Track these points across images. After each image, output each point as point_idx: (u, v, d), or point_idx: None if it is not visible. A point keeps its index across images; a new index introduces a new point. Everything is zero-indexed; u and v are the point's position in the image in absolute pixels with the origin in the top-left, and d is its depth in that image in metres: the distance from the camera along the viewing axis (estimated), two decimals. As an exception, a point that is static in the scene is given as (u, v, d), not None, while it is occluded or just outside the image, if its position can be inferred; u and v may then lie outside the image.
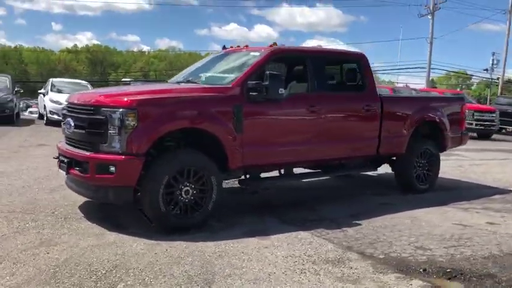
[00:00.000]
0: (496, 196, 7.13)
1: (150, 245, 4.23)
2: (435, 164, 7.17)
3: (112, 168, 4.46)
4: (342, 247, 4.44)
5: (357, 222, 5.32)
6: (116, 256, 3.90)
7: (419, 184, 6.99)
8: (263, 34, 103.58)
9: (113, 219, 5.05)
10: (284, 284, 3.51)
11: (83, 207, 5.41)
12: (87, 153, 4.64)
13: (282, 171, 6.04)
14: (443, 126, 7.15)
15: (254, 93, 5.13)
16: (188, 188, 4.76)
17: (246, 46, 6.07)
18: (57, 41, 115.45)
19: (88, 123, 4.64)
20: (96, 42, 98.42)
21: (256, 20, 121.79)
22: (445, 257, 4.25)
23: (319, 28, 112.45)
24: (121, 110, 4.47)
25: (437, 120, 7.09)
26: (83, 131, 4.70)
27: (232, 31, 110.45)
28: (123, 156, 4.46)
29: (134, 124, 4.46)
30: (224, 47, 6.46)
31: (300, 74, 6.04)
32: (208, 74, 5.80)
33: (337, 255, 4.22)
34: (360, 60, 6.40)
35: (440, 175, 7.44)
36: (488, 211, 6.14)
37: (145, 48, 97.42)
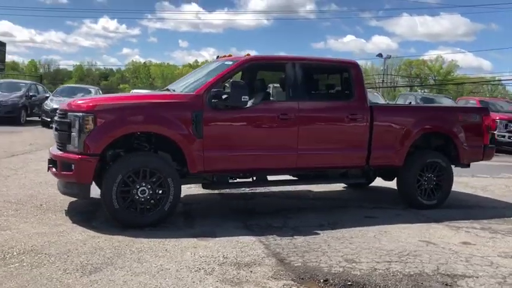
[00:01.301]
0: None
1: (88, 237, 4.64)
2: (446, 178, 6.66)
3: (72, 166, 4.98)
4: (269, 253, 4.44)
5: (316, 232, 5.22)
6: (44, 243, 4.36)
7: (423, 199, 6.55)
8: (382, 45, 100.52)
9: (90, 214, 5.54)
10: (163, 278, 3.67)
11: (75, 203, 6.00)
12: (59, 153, 5.21)
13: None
14: (455, 138, 6.63)
15: (215, 100, 5.33)
16: (144, 188, 5.09)
17: (230, 55, 6.28)
18: (183, 57, 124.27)
19: (60, 126, 5.22)
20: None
21: (374, 31, 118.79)
22: (365, 271, 4.05)
23: (443, 38, 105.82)
24: (80, 114, 4.98)
25: (447, 131, 6.60)
26: (57, 133, 5.29)
27: (348, 43, 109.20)
28: (80, 156, 4.95)
29: (91, 127, 4.93)
30: (217, 57, 6.74)
31: (275, 82, 6.08)
32: (186, 82, 6.11)
33: (255, 259, 4.25)
34: (349, 69, 6.24)
35: (479, 193, 6.87)
36: (482, 231, 5.59)
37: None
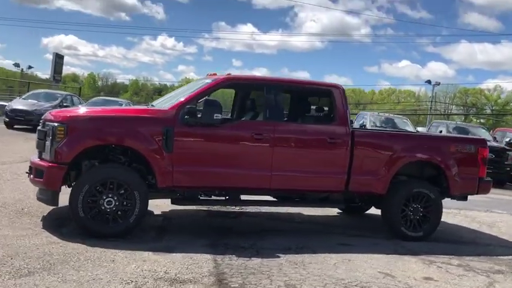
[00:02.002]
0: (502, 257, 6.02)
1: (46, 242, 4.80)
2: (434, 210, 6.38)
3: (43, 173, 5.19)
4: (214, 272, 4.43)
5: (278, 255, 5.15)
6: (-3, 245, 4.55)
7: (408, 231, 6.29)
8: (438, 72, 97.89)
9: (65, 221, 5.69)
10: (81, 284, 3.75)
11: (58, 210, 6.18)
12: (36, 160, 5.45)
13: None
14: (446, 169, 6.36)
15: (188, 117, 5.42)
16: (111, 199, 5.23)
17: (214, 74, 6.36)
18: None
19: (39, 135, 5.47)
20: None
21: (430, 57, 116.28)
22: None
23: (503, 67, 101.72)
24: (54, 124, 5.20)
25: (436, 161, 6.35)
26: (36, 141, 5.54)
27: (403, 68, 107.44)
28: (49, 164, 5.16)
29: (63, 137, 5.14)
30: (208, 74, 6.85)
31: (254, 102, 6.10)
32: (167, 98, 6.24)
33: (195, 277, 4.25)
34: (332, 92, 6.16)
35: (483, 229, 6.57)
36: (456, 268, 5.29)
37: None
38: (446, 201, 7.21)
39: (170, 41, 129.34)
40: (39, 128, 5.58)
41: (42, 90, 20.43)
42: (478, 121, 70.36)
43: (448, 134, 10.75)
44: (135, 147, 5.31)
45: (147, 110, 5.71)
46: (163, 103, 5.97)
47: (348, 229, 6.84)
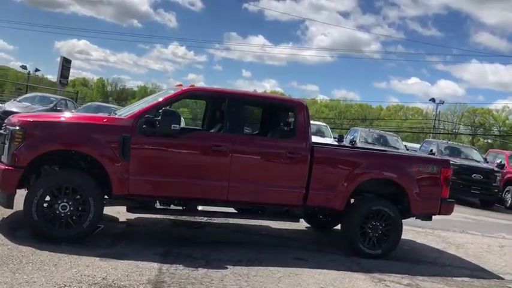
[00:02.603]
0: (456, 278, 6.02)
1: (-5, 244, 4.89)
2: (394, 228, 6.39)
3: (-1, 176, 5.30)
4: (153, 281, 4.49)
5: (226, 266, 5.20)
6: None
7: (366, 248, 6.31)
8: (447, 90, 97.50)
9: (23, 225, 5.74)
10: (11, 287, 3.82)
11: (20, 213, 6.29)
12: None
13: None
14: (407, 188, 6.39)
15: (145, 127, 5.52)
16: (65, 204, 5.31)
17: (180, 85, 6.46)
18: (245, 86, 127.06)
19: (0, 138, 5.58)
20: (278, 89, 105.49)
21: (440, 75, 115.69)
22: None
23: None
24: (12, 128, 5.32)
25: (396, 179, 6.38)
26: None
27: (412, 85, 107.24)
28: (5, 167, 5.26)
29: (20, 141, 5.25)
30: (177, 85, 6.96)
31: (214, 114, 6.19)
32: (132, 107, 6.34)
33: (131, 284, 4.32)
34: (294, 108, 6.24)
35: (450, 250, 6.76)
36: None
37: (321, 97, 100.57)
38: (422, 222, 7.26)
39: (181, 50, 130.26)
40: (1, 131, 5.70)
41: (38, 94, 20.71)
42: (485, 141, 70.09)
43: (411, 153, 10.74)
44: (91, 154, 5.40)
45: (106, 118, 5.81)
46: (128, 112, 6.07)
47: (310, 244, 6.86)
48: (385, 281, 5.45)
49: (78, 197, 5.37)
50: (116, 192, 5.51)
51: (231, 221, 7.43)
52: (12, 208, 5.45)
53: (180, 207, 6.01)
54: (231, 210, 6.45)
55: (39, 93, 21.40)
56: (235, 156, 5.81)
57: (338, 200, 6.18)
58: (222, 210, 6.31)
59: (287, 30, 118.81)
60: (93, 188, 5.40)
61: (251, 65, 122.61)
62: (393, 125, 72.60)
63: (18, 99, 18.86)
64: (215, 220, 7.43)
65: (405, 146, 18.65)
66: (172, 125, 5.49)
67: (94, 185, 5.43)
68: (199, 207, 6.21)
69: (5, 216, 6.01)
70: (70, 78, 47.54)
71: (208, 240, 6.37)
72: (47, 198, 5.32)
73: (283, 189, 6.03)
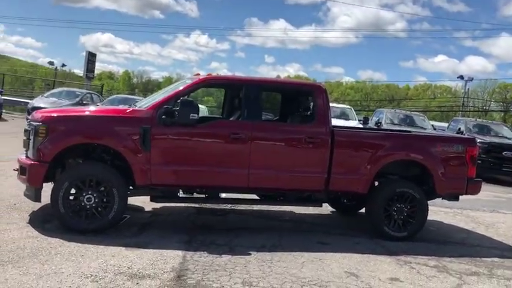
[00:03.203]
0: (486, 258, 5.90)
1: (25, 237, 5.05)
2: (419, 210, 6.30)
3: (26, 171, 5.45)
4: (176, 269, 4.55)
5: (249, 252, 5.23)
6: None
7: (391, 230, 6.25)
8: (477, 67, 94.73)
9: (52, 217, 5.91)
10: (45, 281, 3.94)
11: (49, 205, 6.48)
12: (22, 158, 5.71)
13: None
14: (431, 169, 6.28)
15: (164, 117, 5.57)
16: (90, 196, 5.44)
17: (198, 74, 6.48)
18: (268, 72, 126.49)
19: (25, 133, 5.73)
20: (302, 73, 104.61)
21: (468, 51, 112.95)
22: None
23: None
24: (36, 124, 5.45)
25: (421, 160, 6.27)
26: (24, 140, 5.80)
27: (439, 63, 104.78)
28: (32, 162, 5.41)
29: (44, 136, 5.38)
30: (195, 74, 6.98)
31: (231, 102, 6.18)
32: (151, 98, 6.39)
33: (155, 273, 4.39)
34: (313, 92, 6.19)
35: (479, 230, 6.68)
36: (430, 269, 5.24)
37: (346, 79, 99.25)
38: (450, 202, 7.14)
39: (203, 38, 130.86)
40: (25, 127, 5.84)
41: (64, 89, 21.15)
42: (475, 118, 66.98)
43: (434, 133, 10.50)
44: (113, 146, 5.50)
45: (126, 110, 5.88)
46: (147, 103, 6.13)
47: (333, 228, 6.84)
48: (410, 263, 5.40)
49: (102, 188, 5.48)
50: (138, 183, 5.60)
51: (255, 207, 7.47)
52: (40, 201, 5.61)
53: (203, 195, 6.07)
54: (254, 196, 6.49)
55: (66, 88, 21.85)
56: (254, 143, 5.82)
57: (361, 183, 6.12)
58: (244, 197, 6.35)
59: (308, 13, 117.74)
60: (116, 179, 5.50)
61: (274, 50, 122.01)
62: (421, 104, 71.19)
63: (45, 95, 19.31)
64: (239, 207, 7.49)
65: (432, 125, 18.28)
66: (191, 115, 5.53)
67: (117, 177, 5.53)
68: (223, 195, 6.26)
69: (35, 210, 6.19)
70: (96, 71, 48.40)
71: (232, 227, 6.41)
72: (72, 191, 5.45)
73: (304, 175, 6.00)
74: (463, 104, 48.76)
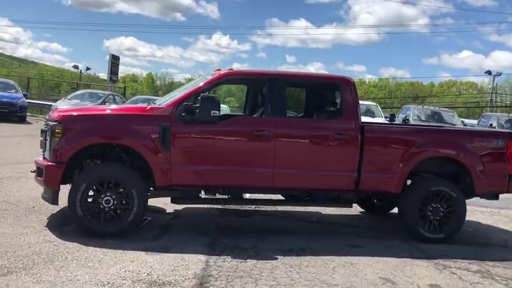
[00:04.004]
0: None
1: (42, 241, 4.84)
2: (456, 210, 5.87)
3: (43, 172, 5.25)
4: (199, 275, 4.27)
5: (276, 257, 4.93)
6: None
7: (426, 232, 5.84)
8: (503, 62, 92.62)
9: (70, 220, 5.70)
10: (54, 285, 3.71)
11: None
12: (39, 159, 5.52)
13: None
14: (469, 166, 5.85)
15: (185, 115, 5.30)
16: (109, 198, 5.21)
17: (218, 69, 6.18)
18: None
19: (41, 134, 5.54)
20: (323, 71, 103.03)
21: (493, 46, 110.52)
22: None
23: None
24: (52, 123, 5.25)
25: (457, 157, 5.85)
26: (41, 140, 5.61)
27: (464, 59, 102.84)
28: (48, 163, 5.21)
29: (60, 136, 5.17)
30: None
31: (254, 97, 5.87)
32: (171, 96, 6.12)
33: (176, 280, 4.12)
34: (340, 85, 5.83)
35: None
36: (472, 275, 4.83)
37: (369, 77, 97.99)
38: (486, 201, 6.71)
39: (225, 40, 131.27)
40: (42, 127, 5.65)
41: (87, 91, 21.24)
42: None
43: (472, 128, 9.96)
44: (132, 146, 5.26)
45: (144, 108, 5.63)
46: (166, 100, 5.87)
47: (364, 230, 6.46)
48: (450, 267, 5.00)
49: (121, 190, 5.25)
50: (158, 184, 5.35)
51: (280, 208, 7.14)
52: (57, 204, 5.41)
53: (226, 196, 5.78)
54: (279, 197, 6.18)
55: (89, 90, 21.96)
56: (278, 140, 5.50)
57: (394, 182, 5.73)
58: (269, 198, 6.04)
59: (329, 11, 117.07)
60: (135, 180, 5.26)
61: (295, 50, 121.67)
62: (446, 101, 69.73)
63: (68, 97, 19.37)
64: (263, 208, 7.18)
65: (462, 121, 17.64)
66: (212, 111, 5.24)
67: (136, 178, 5.28)
68: (246, 195, 5.96)
69: (54, 212, 6.00)
70: (120, 75, 48.88)
71: (257, 229, 6.11)
72: (90, 193, 5.23)
73: (332, 174, 5.65)
74: (491, 100, 47.46)
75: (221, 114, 5.54)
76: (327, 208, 7.07)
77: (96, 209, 5.20)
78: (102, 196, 5.19)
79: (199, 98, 5.39)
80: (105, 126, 5.29)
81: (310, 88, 6.36)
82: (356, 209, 7.45)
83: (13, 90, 18.17)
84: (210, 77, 5.74)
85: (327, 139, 5.62)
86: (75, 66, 53.25)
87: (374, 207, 7.34)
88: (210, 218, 6.58)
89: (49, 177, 5.20)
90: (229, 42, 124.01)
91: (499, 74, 47.24)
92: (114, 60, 40.43)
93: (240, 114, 6.92)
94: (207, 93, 5.51)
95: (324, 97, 6.18)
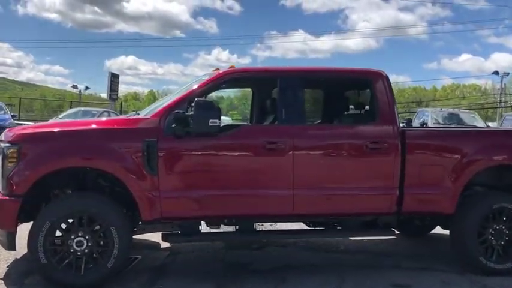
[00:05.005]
0: None
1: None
2: (525, 231, 4.63)
3: (-5, 209, 4.04)
4: None
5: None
6: None
7: (489, 261, 4.59)
8: (503, 63, 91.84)
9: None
10: None
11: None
12: None
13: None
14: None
15: (175, 126, 4.11)
16: (81, 239, 4.00)
17: (217, 69, 4.99)
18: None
19: None
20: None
21: (493, 48, 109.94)
22: None
23: None
24: (5, 145, 4.06)
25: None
26: None
27: (464, 62, 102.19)
28: (1, 197, 4.00)
29: (15, 161, 3.97)
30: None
31: (263, 102, 4.67)
32: (158, 104, 4.93)
33: None
34: (370, 81, 4.62)
35: None
36: None
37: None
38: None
39: (224, 54, 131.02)
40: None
41: (80, 109, 20.20)
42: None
43: None
44: (107, 169, 4.06)
45: (123, 120, 4.46)
46: (153, 109, 4.67)
47: (406, 259, 5.20)
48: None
49: (97, 228, 4.05)
50: (145, 218, 4.14)
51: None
52: (14, 249, 4.19)
53: (233, 228, 4.55)
54: (300, 225, 4.96)
55: (82, 108, 20.88)
56: (297, 154, 4.28)
57: (446, 200, 4.51)
58: (288, 228, 4.81)
59: (327, 21, 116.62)
60: (115, 214, 4.06)
61: (295, 61, 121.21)
62: (450, 104, 68.66)
63: (60, 116, 18.21)
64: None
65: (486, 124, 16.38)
66: (210, 120, 4.05)
67: (116, 211, 4.09)
68: (258, 226, 4.73)
69: (18, 257, 4.78)
70: (122, 93, 48.28)
71: (273, 266, 4.86)
72: (57, 233, 4.03)
73: (367, 193, 4.43)
74: (500, 100, 46.27)
75: (223, 125, 4.33)
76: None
77: (65, 254, 3.99)
78: (73, 237, 3.99)
79: (193, 104, 4.18)
80: (72, 146, 4.07)
81: (336, 86, 5.12)
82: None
83: (2, 112, 17.08)
84: (206, 78, 4.55)
85: (359, 150, 4.40)
86: (74, 86, 52.39)
87: (412, 229, 6.07)
88: (214, 254, 5.33)
89: (2, 215, 3.99)
90: (229, 57, 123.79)
91: (507, 74, 46.11)
92: (114, 78, 39.68)
93: (245, 124, 5.71)
94: (203, 98, 4.31)
95: (352, 97, 4.97)
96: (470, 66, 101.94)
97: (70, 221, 4.03)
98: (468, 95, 79.24)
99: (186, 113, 4.14)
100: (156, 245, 5.45)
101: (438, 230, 5.59)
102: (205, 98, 4.40)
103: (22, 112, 37.35)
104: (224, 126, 4.31)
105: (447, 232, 5.05)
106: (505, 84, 47.83)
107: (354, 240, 5.91)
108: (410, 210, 4.56)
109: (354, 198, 4.41)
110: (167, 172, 4.11)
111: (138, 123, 4.23)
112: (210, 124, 4.05)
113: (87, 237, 4.00)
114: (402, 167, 4.44)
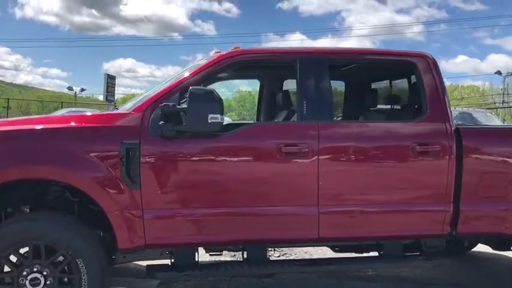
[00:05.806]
0: None
1: None
2: None
3: None
4: None
5: None
6: None
7: None
8: (499, 64, 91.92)
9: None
10: None
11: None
12: None
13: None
14: None
15: (163, 123, 3.09)
16: (37, 275, 2.98)
17: (218, 52, 3.94)
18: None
19: None
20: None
21: (489, 49, 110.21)
22: None
23: None
24: None
25: None
26: None
27: (460, 63, 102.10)
28: None
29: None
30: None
31: (275, 94, 3.65)
32: (143, 96, 3.89)
33: None
34: (414, 66, 3.59)
35: None
36: None
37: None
38: None
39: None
40: None
41: (72, 109, 19.40)
42: None
43: None
44: (70, 182, 3.04)
45: (96, 117, 3.43)
46: (135, 103, 3.64)
47: (446, 286, 4.18)
48: None
49: (59, 260, 3.04)
50: (123, 246, 3.12)
51: (315, 256, 4.85)
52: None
53: (239, 256, 3.53)
54: (326, 251, 3.92)
55: (73, 108, 19.98)
56: (323, 159, 3.27)
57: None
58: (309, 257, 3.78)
59: (324, 24, 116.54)
60: (83, 241, 3.04)
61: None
62: (451, 104, 68.31)
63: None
64: (291, 257, 4.89)
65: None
66: (210, 116, 3.02)
67: (85, 236, 3.06)
68: (271, 254, 3.70)
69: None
70: (120, 96, 47.88)
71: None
72: (5, 268, 3.01)
73: (413, 209, 3.42)
74: (503, 101, 45.65)
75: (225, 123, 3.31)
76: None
77: (17, 296, 2.97)
78: (25, 273, 2.98)
79: (186, 94, 3.15)
80: (24, 151, 3.04)
81: (370, 72, 4.09)
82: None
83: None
84: (204, 62, 3.52)
85: (403, 154, 3.39)
86: (70, 88, 51.58)
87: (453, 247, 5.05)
88: (216, 283, 4.29)
89: None
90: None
91: (510, 74, 45.41)
92: (110, 80, 38.92)
93: (254, 122, 4.68)
94: (200, 86, 3.28)
95: (392, 86, 3.94)
96: (466, 67, 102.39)
97: (22, 251, 3.02)
98: (467, 96, 78.84)
99: (178, 107, 3.12)
100: (142, 272, 4.41)
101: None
102: (202, 86, 3.35)
103: (19, 114, 36.44)
104: (228, 124, 3.29)
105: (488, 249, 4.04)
106: (507, 84, 47.14)
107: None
108: (467, 232, 3.55)
109: (397, 217, 3.40)
110: (152, 185, 3.10)
111: (114, 121, 3.21)
112: (209, 121, 3.02)
113: (45, 273, 2.99)
114: (458, 175, 3.43)
